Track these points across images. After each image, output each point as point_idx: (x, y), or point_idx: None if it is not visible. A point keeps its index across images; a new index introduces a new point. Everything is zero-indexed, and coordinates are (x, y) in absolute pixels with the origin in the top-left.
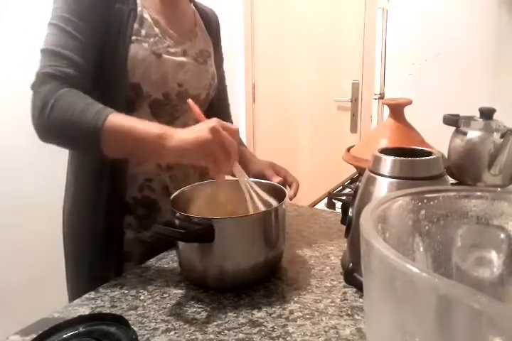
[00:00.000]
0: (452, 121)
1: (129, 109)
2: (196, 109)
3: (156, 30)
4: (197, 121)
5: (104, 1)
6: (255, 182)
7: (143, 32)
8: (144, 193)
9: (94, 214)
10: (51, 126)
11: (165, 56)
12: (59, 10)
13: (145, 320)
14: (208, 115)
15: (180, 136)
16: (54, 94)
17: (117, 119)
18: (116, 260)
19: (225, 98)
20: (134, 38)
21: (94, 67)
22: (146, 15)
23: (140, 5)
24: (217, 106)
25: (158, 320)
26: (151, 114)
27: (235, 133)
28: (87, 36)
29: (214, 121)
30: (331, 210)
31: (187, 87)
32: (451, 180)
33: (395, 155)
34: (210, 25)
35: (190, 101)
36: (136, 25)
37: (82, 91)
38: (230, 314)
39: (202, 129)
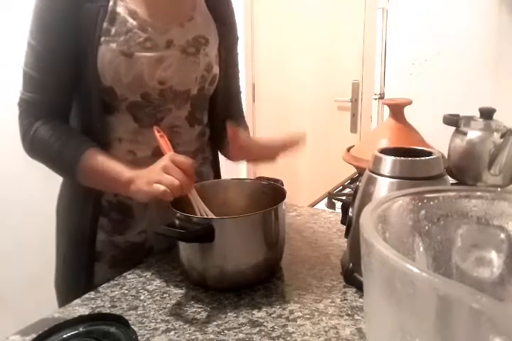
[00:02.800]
0: (452, 121)
1: (107, 112)
2: (161, 140)
3: (132, 23)
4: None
5: (70, 5)
6: (256, 182)
7: (112, 30)
8: (118, 198)
9: (69, 214)
10: (32, 156)
11: (137, 54)
12: (31, 24)
13: (145, 320)
14: (213, 109)
15: (138, 183)
16: (31, 127)
17: (90, 161)
18: (87, 259)
19: (234, 85)
20: (102, 39)
21: (69, 78)
22: (119, 10)
23: None
24: (224, 97)
25: (158, 320)
26: (133, 119)
27: (188, 168)
28: (56, 48)
29: (166, 159)
30: (331, 210)
31: (171, 83)
32: (451, 180)
33: (395, 155)
34: (217, 5)
35: (155, 130)
36: (105, 24)
37: (53, 115)
38: (230, 314)
39: (154, 172)
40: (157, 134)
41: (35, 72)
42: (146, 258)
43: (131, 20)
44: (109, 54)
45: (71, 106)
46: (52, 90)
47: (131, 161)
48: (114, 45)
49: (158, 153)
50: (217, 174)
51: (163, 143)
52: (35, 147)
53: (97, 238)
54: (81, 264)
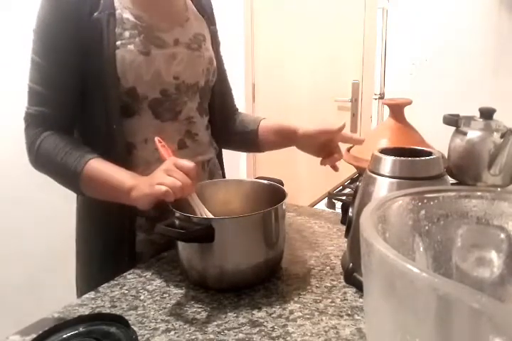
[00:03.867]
0: (452, 121)
1: (128, 114)
2: (163, 149)
3: (141, 25)
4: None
5: (75, 18)
6: (257, 182)
7: (126, 34)
8: None
9: (106, 215)
10: (38, 168)
11: (154, 51)
12: (34, 41)
13: (145, 320)
14: (212, 103)
15: (139, 188)
16: (37, 138)
17: (92, 172)
18: (128, 261)
19: (226, 82)
20: (118, 43)
21: (75, 91)
22: (126, 16)
23: (119, 7)
24: (217, 90)
25: (158, 320)
26: (154, 116)
27: (189, 170)
28: (61, 63)
29: (168, 163)
30: (331, 210)
31: (183, 78)
32: (451, 180)
33: (395, 155)
34: (201, 5)
35: (157, 140)
36: (118, 30)
37: (59, 128)
38: (230, 314)
39: (156, 175)
40: (158, 144)
41: (41, 87)
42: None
43: (139, 23)
44: (129, 55)
45: (76, 118)
46: (58, 104)
47: (159, 158)
48: (131, 47)
49: (182, 146)
50: (221, 165)
51: (165, 151)
52: (40, 159)
53: (136, 239)
54: (121, 268)
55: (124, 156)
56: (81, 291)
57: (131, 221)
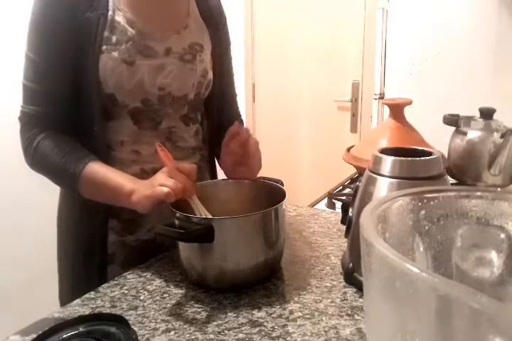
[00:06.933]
0: (452, 121)
1: (108, 118)
2: (163, 154)
3: (131, 32)
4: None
5: (69, 15)
6: (257, 182)
7: (113, 39)
8: None
9: (79, 217)
10: (34, 169)
11: (139, 62)
12: (28, 36)
13: (145, 320)
14: (209, 113)
15: (140, 191)
16: (33, 141)
17: (91, 174)
18: (99, 262)
19: (229, 88)
20: (104, 47)
21: (70, 88)
22: (118, 19)
23: (112, 8)
24: (219, 100)
25: (158, 320)
26: (133, 123)
27: (191, 172)
28: (56, 60)
29: (170, 166)
30: (331, 210)
31: (170, 89)
32: (451, 180)
33: (395, 155)
34: (209, 10)
35: (158, 146)
36: (106, 33)
37: (55, 126)
38: (230, 314)
39: (157, 177)
40: (159, 148)
41: (36, 85)
42: (157, 254)
43: (130, 29)
44: (111, 62)
45: (72, 117)
46: (54, 102)
47: (135, 160)
48: (115, 54)
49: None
50: (212, 170)
51: (165, 156)
52: (37, 160)
53: (108, 240)
54: (93, 269)
55: (103, 157)
56: (59, 290)
57: (103, 222)
